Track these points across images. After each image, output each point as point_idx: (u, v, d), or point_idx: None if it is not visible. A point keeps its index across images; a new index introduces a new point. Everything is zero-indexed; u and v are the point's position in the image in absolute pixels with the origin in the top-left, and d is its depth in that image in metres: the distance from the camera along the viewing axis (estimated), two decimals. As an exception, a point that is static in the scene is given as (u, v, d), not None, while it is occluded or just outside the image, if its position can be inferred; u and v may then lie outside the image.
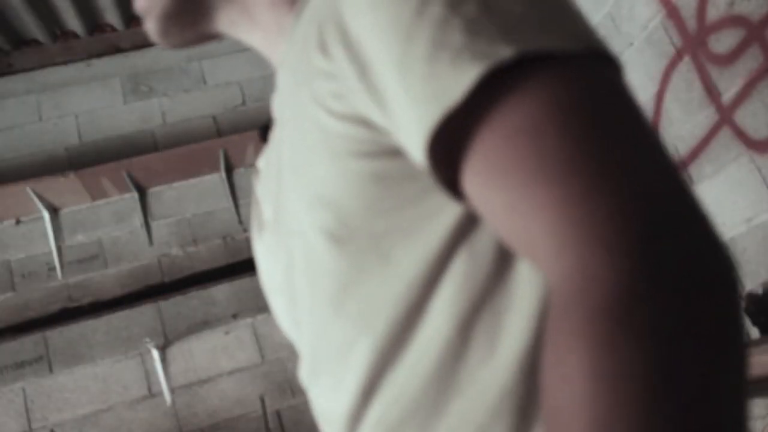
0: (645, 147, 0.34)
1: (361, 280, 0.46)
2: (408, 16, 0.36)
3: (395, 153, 0.42)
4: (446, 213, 0.42)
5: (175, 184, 2.82)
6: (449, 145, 0.36)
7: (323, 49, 0.43)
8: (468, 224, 0.42)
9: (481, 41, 0.33)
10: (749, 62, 1.76)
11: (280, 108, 0.57)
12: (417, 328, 0.43)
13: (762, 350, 1.65)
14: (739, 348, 0.31)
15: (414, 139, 0.37)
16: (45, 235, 2.79)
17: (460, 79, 0.33)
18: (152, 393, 2.45)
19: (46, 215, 2.79)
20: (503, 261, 0.41)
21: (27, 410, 2.38)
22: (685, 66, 1.97)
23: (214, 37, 0.65)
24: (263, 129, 0.77)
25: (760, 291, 1.91)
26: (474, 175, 0.36)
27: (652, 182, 0.32)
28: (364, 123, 0.42)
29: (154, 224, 2.76)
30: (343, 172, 0.44)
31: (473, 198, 0.37)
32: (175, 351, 2.52)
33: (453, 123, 0.35)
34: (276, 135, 0.58)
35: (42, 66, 2.84)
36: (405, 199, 0.43)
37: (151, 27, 0.61)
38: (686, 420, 0.28)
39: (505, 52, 0.32)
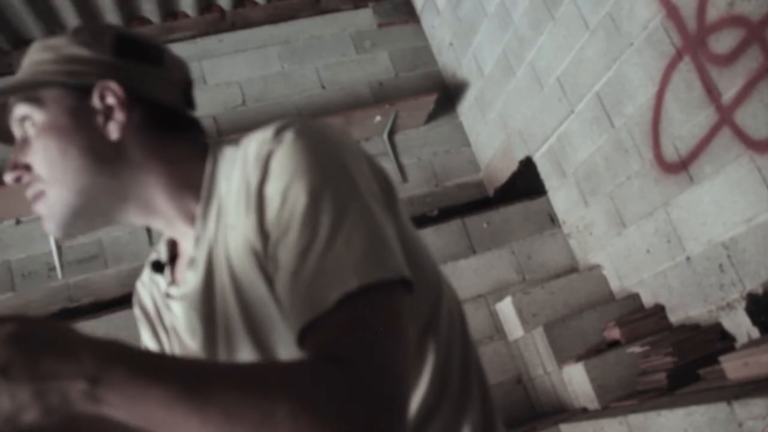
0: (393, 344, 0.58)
1: None
2: (309, 233, 0.60)
3: None
4: None
5: (175, 184, 2.81)
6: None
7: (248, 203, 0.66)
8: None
9: (340, 274, 0.58)
10: (749, 62, 1.76)
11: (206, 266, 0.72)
12: None
13: (762, 350, 1.65)
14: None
15: (295, 321, 0.59)
16: (45, 235, 2.79)
17: (328, 298, 0.57)
18: (152, 393, 2.45)
19: (46, 215, 2.79)
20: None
21: (27, 410, 2.38)
22: (685, 66, 1.97)
23: (116, 223, 0.76)
24: (154, 264, 0.81)
25: (760, 291, 1.91)
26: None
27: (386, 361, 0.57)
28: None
29: (154, 224, 2.75)
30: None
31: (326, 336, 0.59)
32: (175, 351, 2.51)
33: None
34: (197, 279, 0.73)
35: (42, 66, 2.83)
36: None
37: (49, 227, 0.71)
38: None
39: (352, 284, 0.57)
